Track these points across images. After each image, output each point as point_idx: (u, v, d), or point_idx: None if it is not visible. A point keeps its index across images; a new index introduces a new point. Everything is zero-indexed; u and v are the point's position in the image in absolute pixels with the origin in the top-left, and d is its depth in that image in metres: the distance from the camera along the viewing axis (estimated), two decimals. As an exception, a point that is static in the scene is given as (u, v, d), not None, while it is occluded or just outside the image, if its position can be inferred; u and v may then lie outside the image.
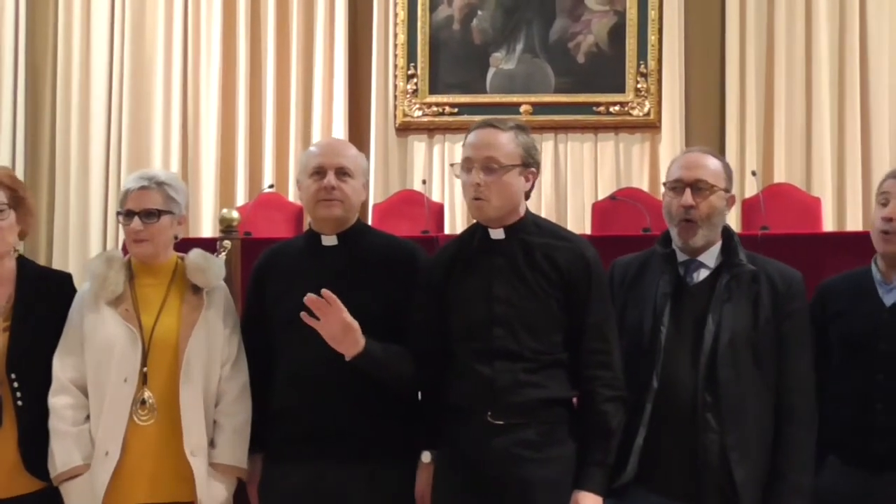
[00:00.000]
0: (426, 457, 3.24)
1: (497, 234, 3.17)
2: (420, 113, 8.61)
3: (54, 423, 3.26)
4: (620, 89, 8.52)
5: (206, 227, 8.33)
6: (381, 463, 3.20)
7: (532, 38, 8.60)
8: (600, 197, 8.12)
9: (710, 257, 3.21)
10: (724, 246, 3.22)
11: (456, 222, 8.20)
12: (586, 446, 3.06)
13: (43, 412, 3.27)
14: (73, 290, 3.45)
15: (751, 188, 7.83)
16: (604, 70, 8.54)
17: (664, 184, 3.29)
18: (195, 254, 3.43)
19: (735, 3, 8.40)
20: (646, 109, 8.49)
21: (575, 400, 3.16)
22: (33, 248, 8.18)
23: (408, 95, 8.61)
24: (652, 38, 8.47)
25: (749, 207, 7.53)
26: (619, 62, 8.53)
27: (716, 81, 8.54)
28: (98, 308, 3.31)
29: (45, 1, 8.69)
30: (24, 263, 3.46)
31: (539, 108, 8.47)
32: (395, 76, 8.63)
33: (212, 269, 3.41)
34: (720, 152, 7.53)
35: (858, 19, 8.32)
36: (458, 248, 3.26)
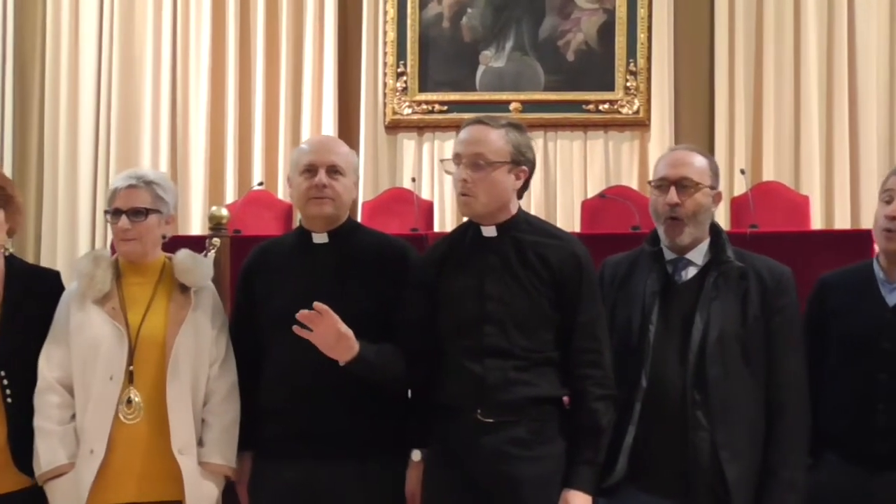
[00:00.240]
0: (416, 455, 3.24)
1: (489, 231, 3.17)
2: (410, 111, 8.62)
3: (39, 422, 3.25)
4: (610, 87, 8.54)
5: (196, 225, 8.33)
6: (372, 461, 3.19)
7: (522, 36, 8.61)
8: (590, 195, 8.13)
9: (698, 255, 3.21)
10: (712, 243, 3.22)
11: (445, 220, 8.21)
12: (576, 445, 3.06)
13: (32, 410, 3.26)
14: (62, 288, 3.44)
15: (740, 186, 7.84)
16: (593, 68, 8.56)
17: (649, 182, 3.29)
18: (183, 254, 3.42)
19: (724, 1, 8.42)
20: (635, 107, 8.51)
21: (566, 399, 3.16)
22: (21, 246, 8.15)
23: (397, 93, 8.61)
24: (641, 36, 8.49)
25: (738, 205, 7.55)
26: (609, 60, 8.54)
27: (705, 80, 8.56)
28: (85, 306, 3.30)
29: (33, -2, 8.69)
30: (12, 261, 3.45)
31: (529, 105, 8.48)
32: (385, 74, 8.63)
33: (200, 269, 3.40)
34: (709, 150, 7.58)
35: (847, 18, 8.35)
36: (451, 245, 3.26)
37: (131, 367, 3.24)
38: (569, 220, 8.10)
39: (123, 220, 3.29)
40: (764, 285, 3.14)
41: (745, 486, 3.04)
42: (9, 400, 3.27)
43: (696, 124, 8.56)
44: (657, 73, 8.49)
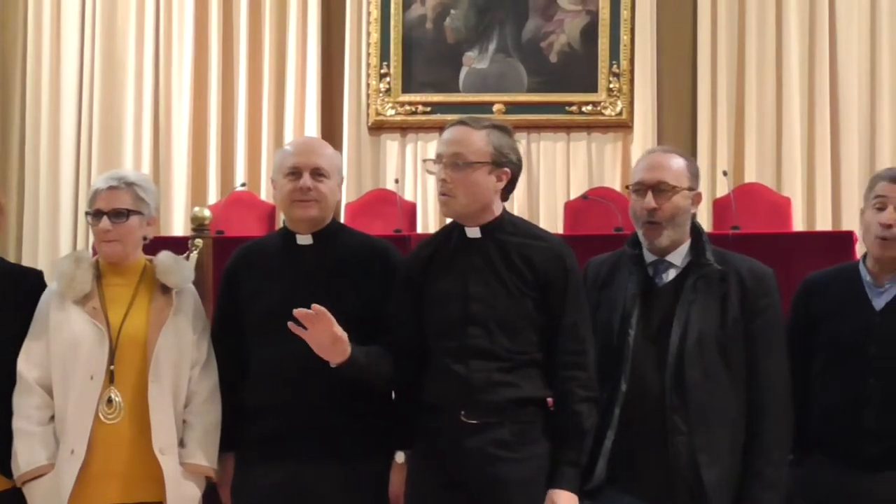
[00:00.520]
0: (399, 457, 3.23)
1: (473, 232, 3.17)
2: (393, 112, 8.62)
3: (18, 423, 3.23)
4: (593, 89, 8.55)
5: (178, 226, 8.31)
6: (356, 462, 3.19)
7: (505, 38, 8.62)
8: (573, 196, 8.15)
9: (679, 257, 3.20)
10: (693, 245, 3.22)
11: (428, 221, 8.21)
12: (560, 446, 3.05)
13: (11, 411, 3.25)
14: (45, 288, 3.43)
15: (722, 188, 7.87)
16: (576, 70, 8.57)
17: (627, 187, 3.29)
18: (165, 255, 3.41)
19: (707, 3, 8.45)
20: (618, 109, 8.53)
21: (549, 400, 3.16)
22: (3, 246, 8.12)
23: (381, 94, 8.61)
24: (624, 37, 8.50)
25: (720, 207, 7.58)
26: (592, 62, 8.56)
27: (687, 82, 8.58)
28: (65, 306, 3.29)
29: (14, -2, 8.66)
30: (-6, 261, 3.44)
31: (512, 107, 8.49)
32: (368, 75, 8.63)
33: (182, 271, 3.39)
34: (691, 152, 7.61)
35: (828, 21, 8.39)
36: (436, 246, 3.25)
37: (112, 367, 3.22)
38: (552, 221, 8.10)
39: (105, 222, 3.28)
40: (744, 286, 3.14)
41: (723, 490, 3.04)
42: (-11, 400, 3.26)
43: (679, 126, 8.58)
44: (640, 75, 8.50)
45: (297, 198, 3.28)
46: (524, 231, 3.21)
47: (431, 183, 3.08)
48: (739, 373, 3.11)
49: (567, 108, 8.55)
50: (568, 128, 8.61)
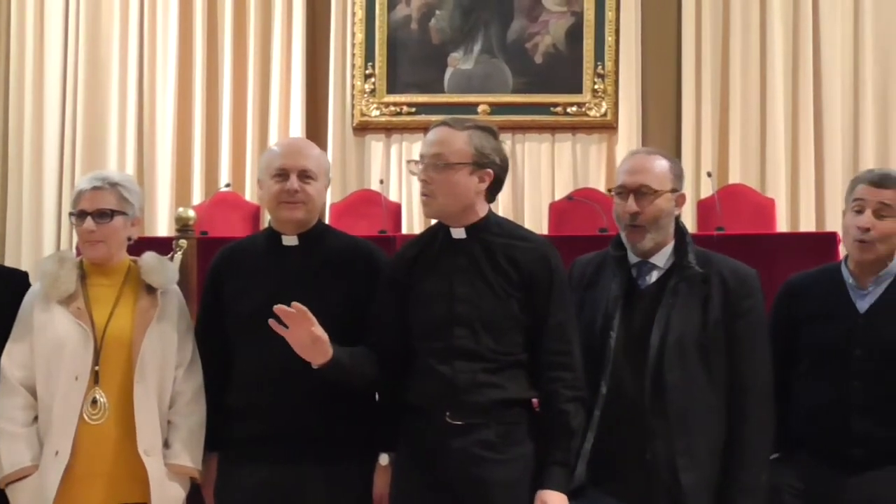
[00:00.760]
0: (384, 459, 3.23)
1: (458, 233, 3.17)
2: (378, 112, 8.61)
3: (2, 424, 3.22)
4: (577, 90, 8.56)
5: (162, 226, 8.29)
6: (340, 464, 3.19)
7: (490, 39, 8.62)
8: (557, 197, 8.16)
9: (662, 258, 3.20)
10: (676, 246, 3.22)
11: (413, 222, 8.21)
12: (547, 446, 3.05)
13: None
14: (29, 288, 3.42)
15: (706, 189, 7.89)
16: (561, 71, 8.57)
17: (609, 190, 3.29)
18: (149, 255, 3.40)
19: (691, 5, 8.47)
20: (603, 110, 8.54)
21: (535, 401, 3.16)
22: (-15, 247, 8.11)
23: (365, 95, 8.60)
24: (609, 39, 8.51)
25: (704, 208, 7.60)
26: (577, 63, 8.56)
27: (672, 83, 8.60)
28: (49, 307, 3.28)
29: (-3, -2, 8.62)
30: (-22, 262, 3.43)
31: (497, 108, 8.49)
32: (353, 75, 8.62)
33: (166, 271, 3.39)
34: (676, 153, 7.63)
35: (812, 23, 8.41)
36: (421, 246, 3.25)
37: (97, 368, 3.22)
38: (536, 222, 8.11)
39: (89, 222, 3.27)
40: (727, 288, 3.14)
41: (702, 493, 3.04)
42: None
43: (664, 127, 8.59)
44: (625, 76, 8.52)
45: (283, 199, 3.27)
46: (509, 232, 3.21)
47: (416, 184, 3.08)
48: (720, 376, 3.11)
49: (552, 108, 8.56)
50: (553, 129, 8.62)
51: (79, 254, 3.42)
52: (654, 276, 3.20)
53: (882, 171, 3.38)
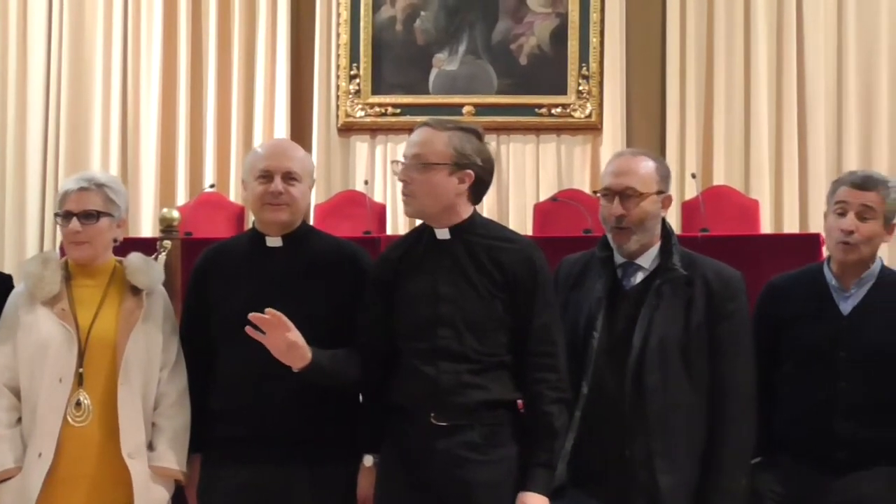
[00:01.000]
0: (368, 461, 3.23)
1: (442, 234, 3.17)
2: (362, 113, 8.60)
3: None
4: (562, 91, 8.57)
5: (146, 227, 8.26)
6: (325, 465, 3.18)
7: (475, 40, 8.62)
8: (542, 198, 8.16)
9: (648, 259, 3.20)
10: (662, 248, 3.22)
11: (398, 223, 8.20)
12: (531, 448, 3.05)
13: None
14: (13, 290, 3.40)
15: (690, 190, 7.91)
16: (546, 72, 8.58)
17: (595, 192, 3.29)
18: (135, 256, 3.39)
19: (676, 6, 8.49)
20: (587, 111, 8.55)
21: (520, 402, 3.17)
22: (-32, 248, 8.08)
23: (350, 96, 8.59)
24: (594, 40, 8.53)
25: (689, 209, 7.62)
26: (561, 64, 8.58)
27: (656, 84, 8.62)
28: (33, 307, 3.26)
29: (-21, -2, 8.58)
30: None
31: (481, 109, 8.50)
32: (338, 76, 8.61)
33: (152, 272, 3.38)
34: (660, 155, 7.61)
35: (795, 26, 8.45)
36: (406, 247, 3.25)
37: (81, 370, 3.21)
38: (521, 223, 8.12)
39: (74, 223, 3.26)
40: (710, 290, 3.14)
41: (680, 496, 3.05)
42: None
43: (648, 128, 8.61)
44: (609, 78, 8.53)
45: (268, 201, 3.27)
46: (494, 233, 3.21)
47: (400, 185, 3.11)
48: (702, 378, 3.11)
49: (536, 110, 8.57)
50: (537, 130, 8.63)
51: (63, 254, 3.41)
52: (639, 277, 3.20)
53: (864, 172, 3.38)
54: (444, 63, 8.63)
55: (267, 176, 3.27)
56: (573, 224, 6.89)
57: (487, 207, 8.11)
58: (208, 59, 8.60)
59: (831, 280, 3.32)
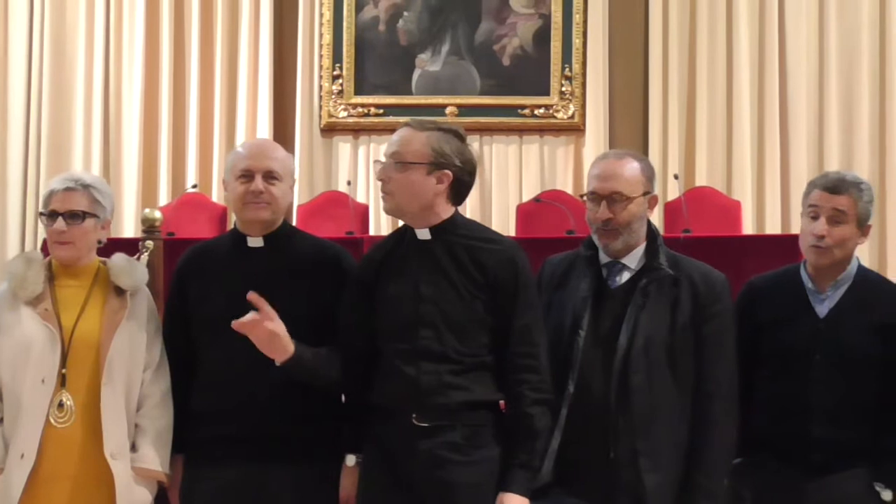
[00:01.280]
0: (350, 460, 3.23)
1: (423, 234, 3.17)
2: (345, 114, 8.60)
3: None
4: (545, 92, 8.58)
5: (129, 227, 8.23)
6: (307, 465, 3.18)
7: (458, 40, 8.62)
8: (525, 199, 8.17)
9: (633, 259, 3.21)
10: (648, 248, 3.23)
11: (381, 223, 8.19)
12: (511, 448, 3.06)
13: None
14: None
15: (673, 191, 7.92)
16: (529, 73, 8.59)
17: (582, 196, 3.29)
18: (118, 257, 3.39)
19: (658, 8, 8.51)
20: (570, 112, 8.56)
21: (502, 403, 3.17)
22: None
23: (333, 96, 8.59)
24: (576, 41, 8.54)
25: (671, 210, 7.63)
26: (544, 65, 8.58)
27: (639, 86, 8.64)
28: (16, 307, 3.25)
29: (-39, -2, 8.54)
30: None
31: (464, 109, 8.50)
32: (321, 77, 8.61)
33: (136, 272, 3.37)
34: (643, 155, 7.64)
35: (777, 28, 8.48)
36: (389, 248, 3.25)
37: (64, 370, 3.20)
38: (504, 223, 8.12)
39: (59, 222, 3.25)
40: (696, 292, 3.15)
41: (664, 494, 3.05)
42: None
43: (631, 129, 8.63)
44: (592, 79, 8.54)
45: (248, 200, 3.27)
46: (476, 233, 3.21)
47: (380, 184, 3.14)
48: (686, 378, 3.12)
49: (519, 111, 8.58)
50: (520, 131, 8.63)
51: (46, 254, 3.40)
52: (624, 276, 3.21)
53: (836, 175, 3.35)
54: (427, 64, 8.63)
55: (248, 175, 3.27)
56: (556, 225, 6.90)
57: (470, 208, 8.10)
58: (191, 59, 8.58)
59: (807, 282, 3.32)
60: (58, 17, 8.51)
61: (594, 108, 8.53)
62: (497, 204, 8.51)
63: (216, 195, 8.18)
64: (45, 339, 3.21)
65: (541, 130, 8.63)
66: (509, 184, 8.57)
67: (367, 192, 8.44)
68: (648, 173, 3.25)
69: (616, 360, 3.09)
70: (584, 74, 8.54)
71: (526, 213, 7.68)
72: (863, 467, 3.22)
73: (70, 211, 3.26)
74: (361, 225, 7.59)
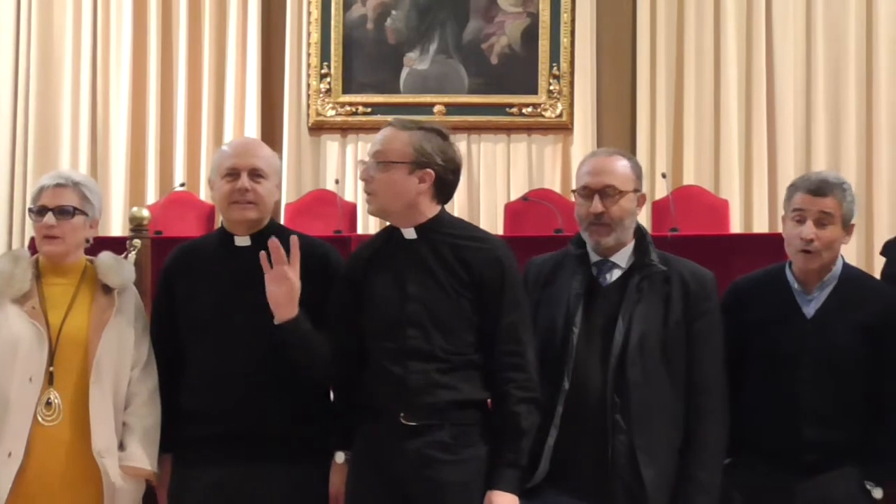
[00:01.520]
0: (339, 457, 3.23)
1: (409, 233, 3.17)
2: (333, 112, 8.59)
3: None
4: (533, 91, 8.58)
5: (116, 226, 8.22)
6: (296, 463, 3.18)
7: (446, 39, 8.62)
8: (513, 198, 8.17)
9: (623, 257, 3.22)
10: (637, 246, 3.24)
11: (369, 222, 8.17)
12: (499, 447, 3.06)
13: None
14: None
15: (661, 190, 7.93)
16: (517, 71, 8.60)
17: (573, 190, 3.30)
18: (106, 255, 3.39)
19: (646, 7, 8.52)
20: (558, 111, 8.57)
21: (489, 402, 3.17)
22: (-64, 247, 8.01)
23: (321, 95, 8.58)
24: (564, 40, 8.55)
25: (659, 209, 7.64)
26: (532, 64, 8.59)
27: (627, 84, 8.65)
28: (3, 305, 3.25)
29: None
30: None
31: (452, 108, 8.50)
32: (309, 75, 8.60)
33: (124, 270, 3.37)
34: (631, 154, 7.65)
35: (765, 27, 8.50)
36: (376, 247, 3.25)
37: (51, 368, 3.19)
38: (492, 222, 8.13)
39: (49, 217, 3.25)
40: (687, 289, 3.17)
41: (661, 489, 3.07)
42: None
43: (619, 128, 8.64)
44: (580, 78, 8.55)
45: (235, 199, 3.27)
46: (462, 232, 3.21)
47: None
48: (680, 374, 3.14)
49: (507, 109, 8.59)
50: (508, 129, 8.64)
51: (33, 253, 3.39)
52: (615, 274, 3.22)
53: (818, 176, 3.35)
54: (415, 62, 8.63)
55: (233, 174, 3.27)
56: (544, 224, 6.90)
57: (458, 207, 8.11)
58: (178, 58, 8.56)
59: (794, 283, 3.32)
60: (45, 16, 8.49)
61: (582, 107, 8.54)
62: (485, 202, 8.51)
63: (204, 194, 8.16)
64: (33, 338, 3.20)
65: (529, 129, 8.64)
66: (497, 182, 8.57)
67: (356, 191, 8.42)
68: (637, 171, 3.28)
69: (612, 355, 3.10)
70: (571, 73, 8.55)
71: (514, 211, 7.68)
72: (852, 467, 3.22)
73: (60, 206, 3.26)
74: (349, 224, 7.58)
